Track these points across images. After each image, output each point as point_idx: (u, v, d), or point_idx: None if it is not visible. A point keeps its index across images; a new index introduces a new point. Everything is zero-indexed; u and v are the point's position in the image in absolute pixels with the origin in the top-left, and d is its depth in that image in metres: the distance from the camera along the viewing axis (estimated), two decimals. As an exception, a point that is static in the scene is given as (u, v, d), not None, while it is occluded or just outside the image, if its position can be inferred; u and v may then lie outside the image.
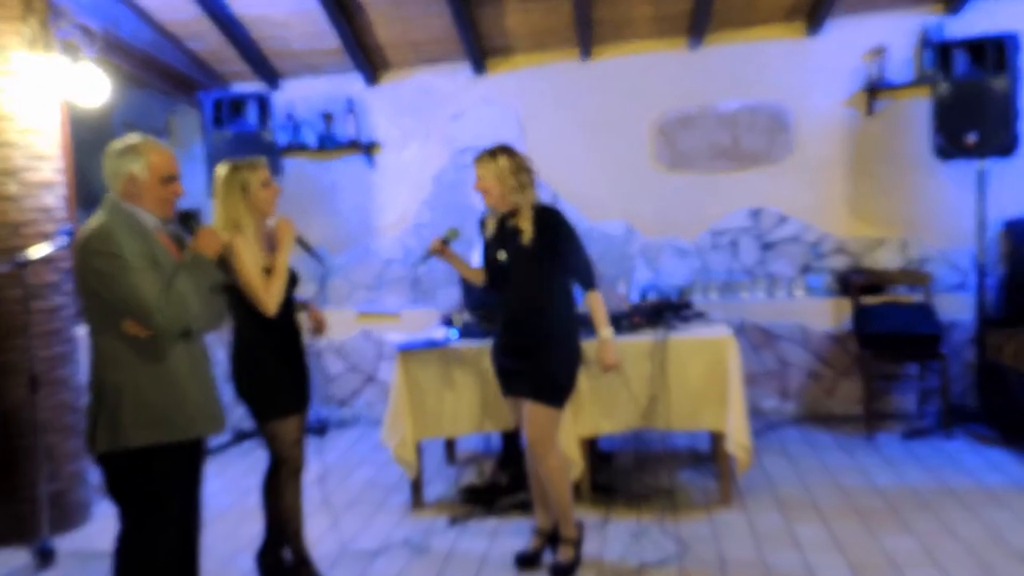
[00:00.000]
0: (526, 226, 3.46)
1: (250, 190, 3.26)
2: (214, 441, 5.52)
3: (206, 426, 2.87)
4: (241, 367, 3.31)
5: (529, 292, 3.49)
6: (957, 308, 5.51)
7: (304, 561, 3.46)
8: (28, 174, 4.20)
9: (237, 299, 3.21)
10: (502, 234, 3.55)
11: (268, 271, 3.22)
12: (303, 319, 3.49)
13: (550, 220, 3.48)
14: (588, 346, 3.71)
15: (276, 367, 3.30)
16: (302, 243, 3.47)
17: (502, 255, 3.53)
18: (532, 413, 3.47)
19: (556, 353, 3.47)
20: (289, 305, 3.37)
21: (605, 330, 3.50)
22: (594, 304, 3.50)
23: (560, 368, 3.48)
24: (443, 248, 3.65)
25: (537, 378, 3.44)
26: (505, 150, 3.50)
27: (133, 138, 2.84)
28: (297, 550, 3.45)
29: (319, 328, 3.54)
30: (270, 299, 3.20)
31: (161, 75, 5.69)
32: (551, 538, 3.68)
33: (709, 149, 5.93)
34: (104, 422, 2.70)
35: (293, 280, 3.37)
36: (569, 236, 3.49)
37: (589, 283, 3.52)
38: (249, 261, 3.19)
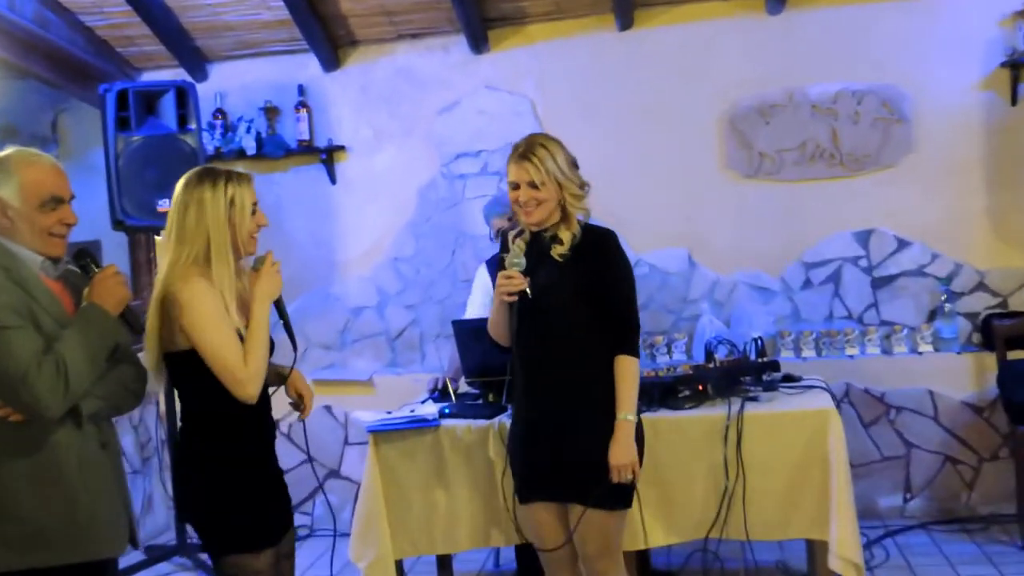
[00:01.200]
0: (567, 238, 3.47)
1: (238, 212, 3.12)
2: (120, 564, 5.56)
3: (101, 546, 2.90)
4: (191, 473, 3.20)
5: (565, 337, 3.49)
6: None
7: None
8: None
9: (187, 371, 3.10)
10: (533, 254, 3.52)
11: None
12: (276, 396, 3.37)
13: (603, 241, 3.52)
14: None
15: (245, 475, 3.19)
16: (279, 308, 3.31)
17: (528, 286, 3.46)
18: (588, 523, 3.48)
19: (610, 431, 3.46)
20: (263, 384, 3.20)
21: (628, 413, 3.44)
22: (627, 373, 3.46)
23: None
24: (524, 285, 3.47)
25: (587, 472, 3.42)
26: (553, 139, 3.52)
27: (2, 151, 2.88)
28: None
29: (303, 406, 3.42)
30: (251, 375, 3.05)
31: (47, 60, 5.82)
32: None
33: (799, 150, 6.03)
34: None
35: (270, 348, 3.24)
36: (624, 270, 3.55)
37: (632, 344, 3.50)
38: (219, 321, 3.05)
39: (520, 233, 3.61)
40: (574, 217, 3.51)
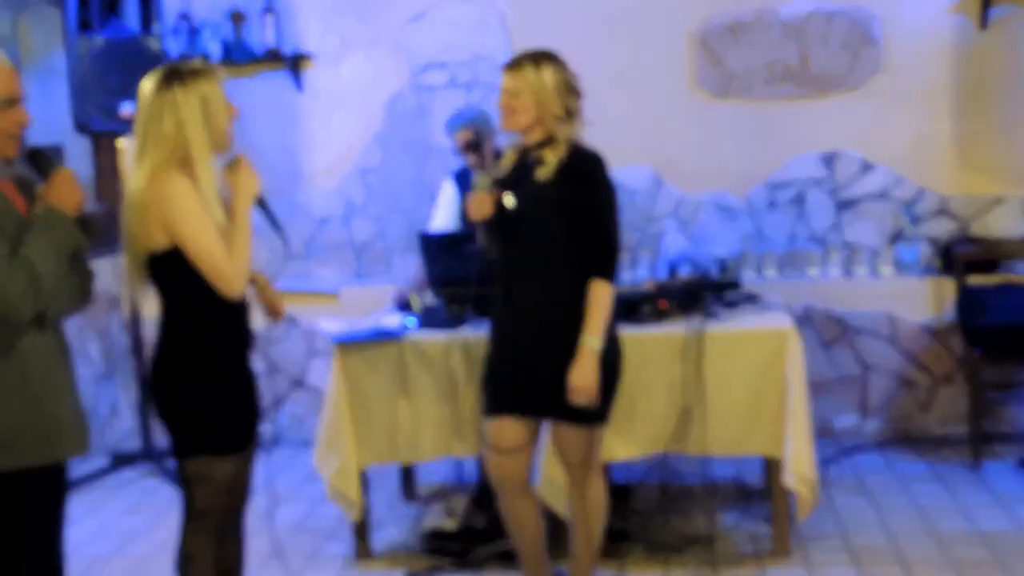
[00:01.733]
0: (552, 159, 3.49)
1: (212, 109, 3.09)
2: (81, 468, 5.57)
3: (66, 447, 2.90)
4: (169, 374, 3.19)
5: (543, 258, 3.52)
6: (1100, 292, 5.63)
7: None
8: None
9: (170, 273, 3.11)
10: (518, 171, 3.59)
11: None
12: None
13: (588, 164, 3.53)
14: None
15: (222, 378, 3.21)
16: (262, 203, 3.31)
17: (510, 200, 3.54)
18: (567, 435, 3.56)
19: None
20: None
21: (594, 337, 3.45)
22: (598, 298, 3.47)
23: (600, 367, 3.49)
24: (492, 206, 3.57)
25: (562, 389, 3.46)
26: (554, 59, 3.53)
27: None
28: None
29: (275, 311, 3.45)
30: (237, 272, 3.07)
31: (6, -43, 5.69)
32: (545, 602, 3.80)
33: (768, 69, 6.02)
34: None
35: None
36: (604, 193, 3.55)
37: (605, 268, 3.51)
38: (203, 217, 3.05)
39: (499, 154, 3.73)
40: (561, 140, 3.51)
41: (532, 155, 3.56)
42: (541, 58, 3.52)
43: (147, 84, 3.13)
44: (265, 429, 6.16)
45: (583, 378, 3.43)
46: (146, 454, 5.90)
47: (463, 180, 5.15)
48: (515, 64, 3.53)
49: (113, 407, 6.33)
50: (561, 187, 3.48)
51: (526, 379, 3.56)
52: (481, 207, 3.56)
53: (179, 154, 3.08)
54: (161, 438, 6.06)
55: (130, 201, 3.13)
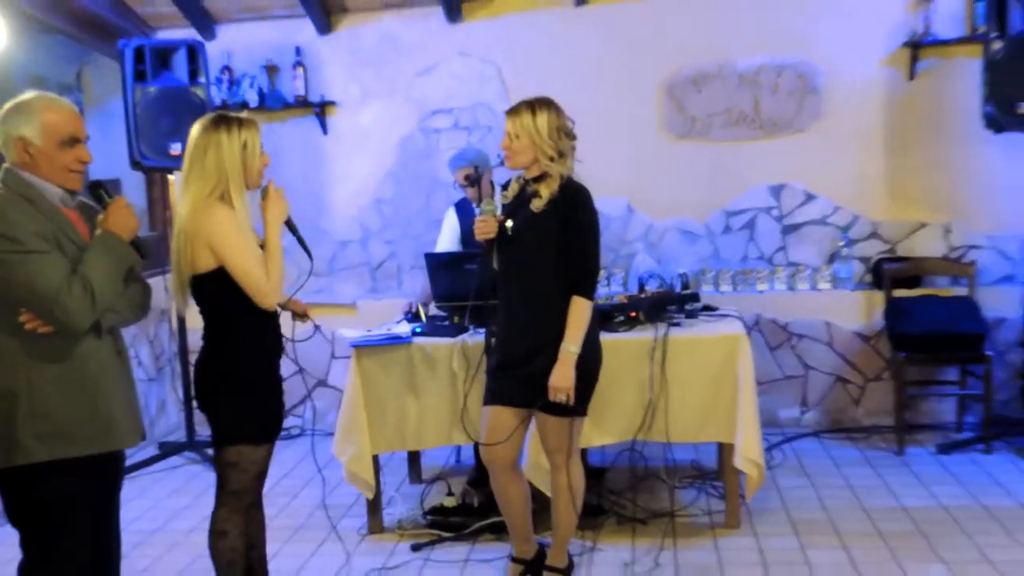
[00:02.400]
0: (545, 193, 3.53)
1: (249, 153, 3.16)
2: (134, 457, 5.62)
3: (121, 437, 2.94)
4: (213, 376, 3.23)
5: (536, 274, 3.55)
6: (1005, 303, 5.69)
7: None
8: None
9: (213, 290, 3.16)
10: (518, 200, 3.64)
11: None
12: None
13: (574, 196, 3.55)
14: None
15: (257, 380, 3.26)
16: (290, 226, 3.36)
17: (509, 224, 3.59)
18: (548, 424, 3.60)
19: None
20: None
21: (572, 345, 3.48)
22: (578, 312, 3.49)
23: (578, 368, 3.52)
24: (496, 228, 3.63)
25: (546, 386, 3.50)
26: (549, 105, 3.55)
27: (25, 96, 2.84)
28: None
29: (303, 314, 3.52)
30: (273, 287, 3.14)
31: (72, 18, 5.75)
32: (531, 567, 3.83)
33: (726, 114, 6.08)
34: None
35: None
36: (587, 223, 3.57)
37: (585, 288, 3.53)
38: (244, 241, 3.11)
39: (506, 185, 3.74)
40: (553, 176, 3.54)
41: (530, 187, 3.61)
42: (537, 105, 3.54)
43: (197, 126, 3.19)
44: (293, 422, 6.26)
45: (561, 379, 3.47)
46: (189, 445, 5.92)
47: (463, 210, 5.22)
48: (514, 110, 3.56)
49: (161, 404, 6.37)
50: (552, 217, 3.52)
51: (517, 376, 3.59)
52: (486, 228, 3.62)
53: (219, 188, 3.14)
54: (202, 431, 6.10)
55: (178, 228, 3.19)
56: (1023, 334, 5.53)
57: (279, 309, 3.33)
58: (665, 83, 6.11)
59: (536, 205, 3.54)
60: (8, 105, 2.83)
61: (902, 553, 4.00)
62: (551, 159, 3.53)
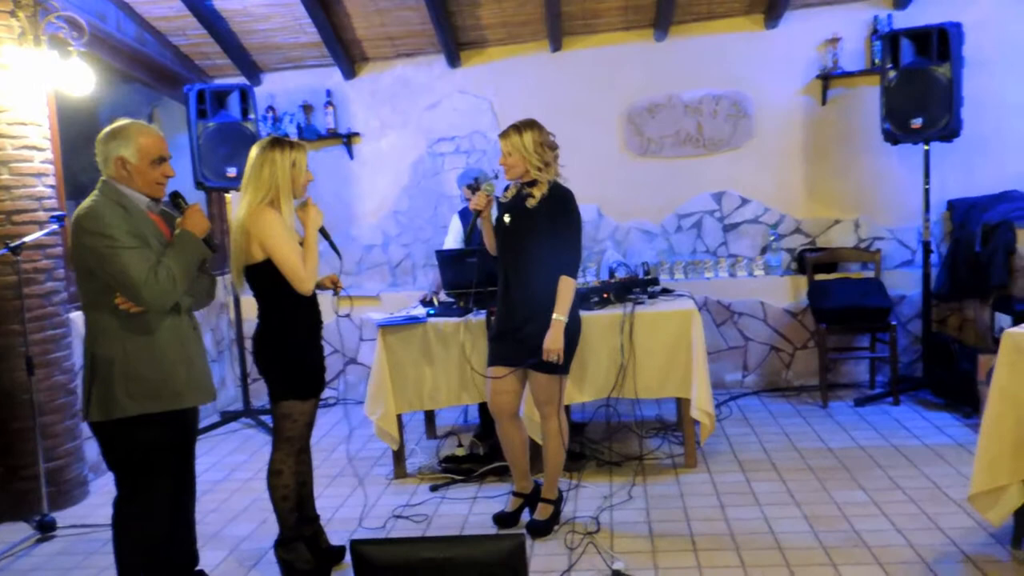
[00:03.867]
0: (537, 194, 3.54)
1: (297, 169, 3.21)
2: (202, 423, 5.60)
3: (195, 396, 2.95)
4: (267, 346, 3.26)
5: (528, 258, 3.55)
6: (906, 283, 5.73)
7: (296, 538, 3.36)
8: (19, 164, 4.26)
9: (264, 277, 3.19)
10: (515, 200, 3.64)
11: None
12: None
13: (561, 197, 3.57)
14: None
15: (302, 348, 3.28)
16: (324, 232, 3.42)
17: (507, 219, 3.61)
18: (538, 380, 3.60)
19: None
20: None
21: (560, 315, 3.49)
22: (564, 289, 3.51)
23: (564, 335, 3.51)
24: (488, 204, 3.66)
25: (539, 347, 3.50)
26: (532, 126, 3.56)
27: (123, 122, 2.88)
28: (288, 524, 3.34)
29: (335, 284, 3.51)
30: (308, 276, 3.17)
31: (146, 69, 5.74)
32: (528, 500, 3.84)
33: (675, 136, 6.09)
34: (98, 393, 2.78)
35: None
36: (571, 218, 3.57)
37: (570, 269, 3.54)
38: (288, 238, 3.16)
39: (506, 188, 3.75)
40: (542, 182, 3.56)
41: (524, 191, 3.62)
42: (523, 126, 3.56)
43: (256, 147, 3.24)
44: (329, 392, 6.25)
45: (553, 342, 3.49)
46: (245, 412, 5.91)
47: (464, 216, 5.24)
48: (505, 133, 3.58)
49: (222, 380, 6.35)
50: (543, 213, 3.53)
51: (513, 340, 3.61)
52: (478, 201, 3.65)
53: (270, 195, 3.17)
54: (255, 401, 6.12)
55: (236, 227, 3.21)
56: (921, 308, 5.56)
57: (316, 291, 3.35)
58: (625, 112, 6.13)
59: (530, 203, 3.55)
60: (107, 129, 2.89)
61: (829, 483, 4.02)
62: (539, 168, 3.55)
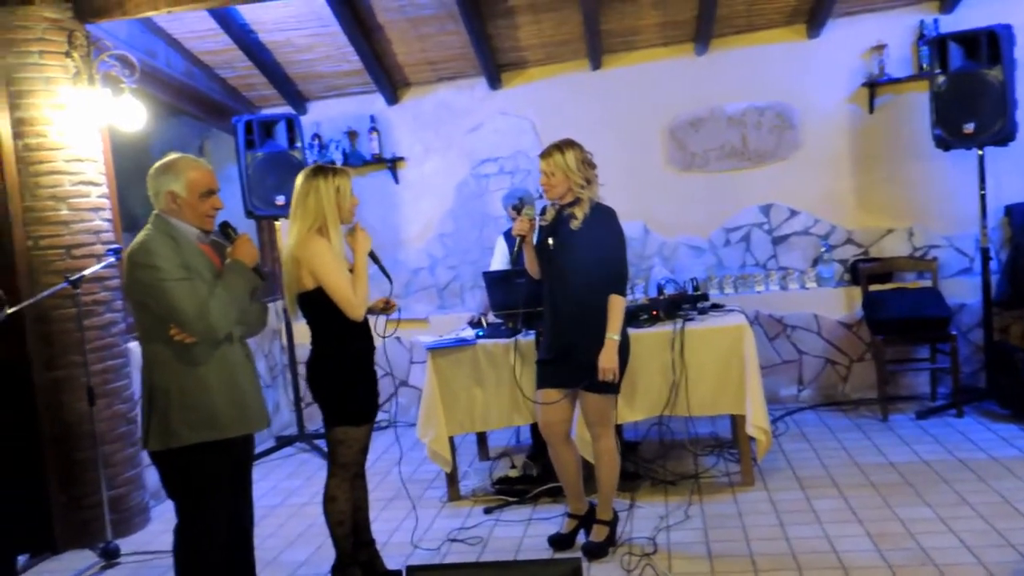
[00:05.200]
0: (579, 214, 3.53)
1: (342, 195, 3.24)
2: (258, 448, 5.65)
3: (250, 424, 2.98)
4: (320, 372, 3.28)
5: (576, 279, 3.52)
6: (964, 292, 5.59)
7: (352, 563, 3.39)
8: (77, 200, 4.38)
9: (315, 305, 3.22)
10: (556, 222, 3.63)
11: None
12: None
13: (604, 215, 3.56)
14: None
15: (355, 374, 3.29)
16: (373, 256, 3.42)
17: (551, 241, 3.59)
18: (589, 401, 3.57)
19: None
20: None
21: (614, 334, 3.49)
22: (615, 307, 3.51)
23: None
24: (531, 228, 3.65)
25: (591, 367, 3.49)
26: (572, 144, 3.56)
27: (173, 157, 2.94)
28: (344, 549, 3.37)
29: (385, 307, 3.49)
30: (359, 302, 3.19)
31: (195, 102, 5.88)
32: (583, 521, 3.80)
33: (719, 150, 6.04)
34: (156, 423, 2.82)
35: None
36: (616, 236, 3.58)
37: (619, 287, 3.55)
38: (337, 266, 3.17)
39: (543, 211, 3.73)
40: (585, 200, 3.55)
41: (566, 211, 3.60)
42: (564, 145, 3.56)
43: (301, 176, 3.28)
44: (381, 416, 6.25)
45: (609, 361, 3.48)
46: (300, 437, 5.95)
47: (510, 236, 5.22)
48: (547, 153, 3.57)
49: (276, 406, 6.41)
50: (587, 233, 3.52)
51: (564, 361, 3.58)
52: (521, 227, 3.64)
53: (318, 223, 3.21)
54: (310, 425, 6.17)
55: (286, 256, 3.25)
56: (981, 317, 5.40)
57: (369, 317, 3.36)
58: (667, 127, 6.10)
59: (574, 224, 3.54)
60: (158, 165, 2.93)
61: (892, 499, 3.91)
62: (581, 187, 3.55)
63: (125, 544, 4.22)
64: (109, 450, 4.34)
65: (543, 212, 3.74)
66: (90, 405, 4.07)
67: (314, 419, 6.25)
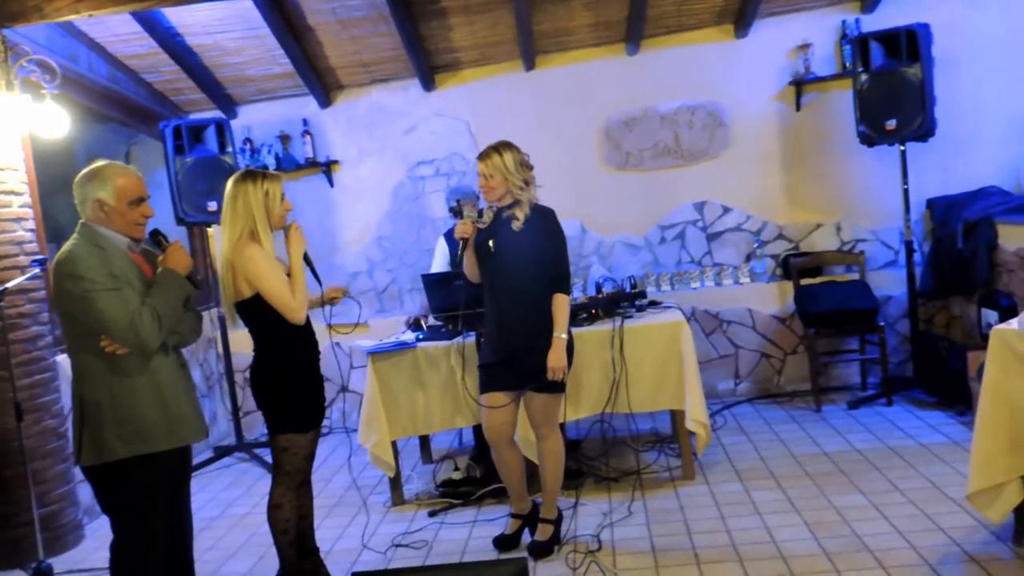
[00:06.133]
0: (520, 216, 3.54)
1: (271, 199, 3.19)
2: (194, 459, 5.52)
3: (187, 435, 2.92)
4: (263, 379, 3.24)
5: (521, 281, 3.53)
6: (890, 284, 5.76)
7: (296, 572, 3.36)
8: (-1, 210, 4.23)
9: (255, 311, 3.17)
10: (496, 224, 3.63)
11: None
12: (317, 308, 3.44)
13: (545, 217, 3.58)
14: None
15: (299, 379, 3.25)
16: (307, 260, 3.36)
17: (492, 243, 3.59)
18: (536, 401, 3.58)
19: (549, 344, 3.52)
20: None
21: (561, 333, 3.52)
22: (560, 306, 3.54)
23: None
24: (473, 230, 3.62)
25: (539, 368, 3.50)
26: (509, 146, 3.57)
27: (99, 163, 2.85)
28: (288, 558, 3.32)
29: (332, 299, 3.50)
30: (299, 305, 3.15)
31: (120, 108, 5.72)
32: (527, 521, 3.82)
33: (653, 148, 6.11)
34: (88, 437, 2.75)
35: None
36: (559, 237, 3.60)
37: (563, 286, 3.57)
38: (272, 271, 3.13)
39: (481, 213, 3.73)
40: (524, 201, 3.57)
41: (505, 213, 3.61)
42: (501, 147, 3.57)
43: (230, 181, 3.23)
44: (324, 422, 6.18)
45: (558, 360, 3.50)
46: (238, 447, 5.83)
47: (450, 237, 5.21)
48: (485, 155, 3.57)
49: (213, 415, 6.29)
50: (530, 234, 3.54)
51: (510, 364, 3.59)
52: (463, 229, 3.62)
53: (248, 228, 3.16)
54: (248, 434, 6.06)
55: (222, 264, 3.19)
56: (907, 308, 5.58)
57: (310, 322, 3.32)
58: (602, 127, 6.15)
59: (516, 226, 3.55)
60: (84, 172, 2.85)
61: (828, 488, 4.02)
62: (520, 188, 3.56)
63: (58, 563, 4.08)
64: (39, 466, 4.19)
65: (481, 214, 3.75)
66: (18, 421, 3.92)
67: (253, 428, 6.15)
